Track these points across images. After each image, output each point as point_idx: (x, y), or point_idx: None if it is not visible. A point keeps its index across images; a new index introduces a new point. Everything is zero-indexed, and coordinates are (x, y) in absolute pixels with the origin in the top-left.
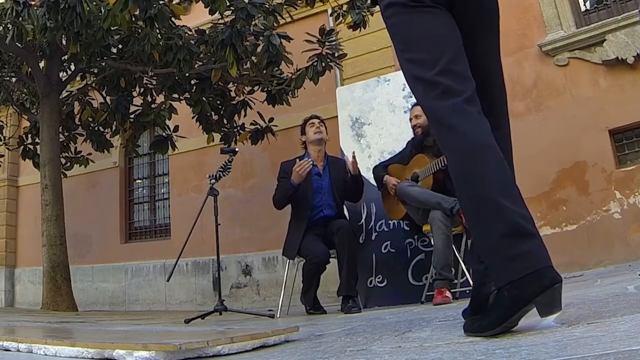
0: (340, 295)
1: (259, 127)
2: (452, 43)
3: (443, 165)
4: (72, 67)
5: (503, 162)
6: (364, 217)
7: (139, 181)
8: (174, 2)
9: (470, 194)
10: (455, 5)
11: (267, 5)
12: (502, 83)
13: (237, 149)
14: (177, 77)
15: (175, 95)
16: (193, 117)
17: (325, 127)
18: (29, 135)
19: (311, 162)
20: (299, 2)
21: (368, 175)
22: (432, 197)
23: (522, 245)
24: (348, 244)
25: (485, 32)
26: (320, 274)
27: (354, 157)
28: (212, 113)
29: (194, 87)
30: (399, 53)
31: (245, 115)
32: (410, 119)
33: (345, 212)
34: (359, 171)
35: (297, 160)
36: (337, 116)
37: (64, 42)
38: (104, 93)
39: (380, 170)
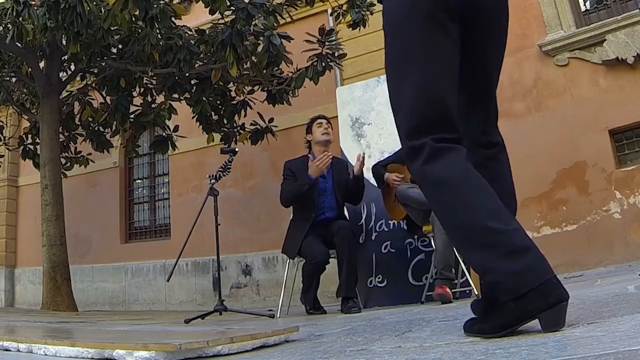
0: (339, 297)
1: (259, 127)
2: (449, 73)
3: None
4: (72, 67)
5: (486, 186)
6: (364, 217)
7: (139, 181)
8: (174, 2)
9: (458, 225)
10: (467, 18)
11: (267, 5)
12: (495, 98)
13: (237, 149)
14: (177, 77)
15: (175, 95)
16: (193, 117)
17: (332, 128)
18: (29, 135)
19: (331, 156)
20: (299, 2)
21: (368, 175)
22: None
23: (522, 261)
24: (348, 245)
25: (494, 46)
26: (320, 274)
27: (363, 157)
28: (212, 113)
29: (194, 87)
30: (388, 59)
31: (245, 115)
32: None
33: (346, 213)
34: (362, 173)
35: (309, 157)
36: (337, 116)
37: (64, 42)
38: (104, 93)
39: (379, 169)
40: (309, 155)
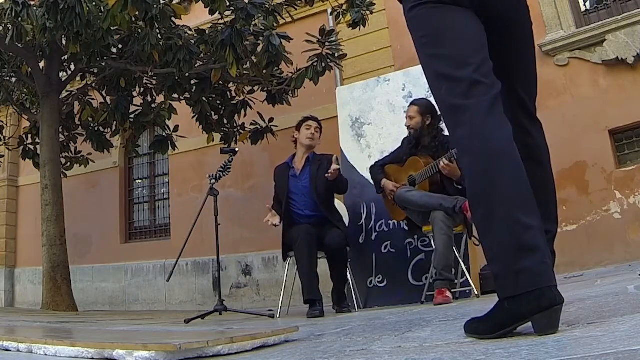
0: (334, 304)
1: (259, 127)
2: (480, 42)
3: (438, 169)
4: (72, 67)
5: (520, 170)
6: (364, 217)
7: (139, 181)
8: (174, 2)
9: (480, 201)
10: (483, 12)
11: (267, 6)
12: (533, 94)
13: (237, 149)
14: (177, 77)
15: (175, 95)
16: (193, 117)
17: (321, 131)
18: (29, 135)
19: (273, 223)
20: (299, 2)
21: (368, 175)
22: (432, 199)
23: (525, 260)
24: (339, 261)
25: (513, 40)
26: (315, 247)
27: (337, 164)
28: (212, 113)
29: (194, 87)
30: (420, 47)
31: (245, 115)
32: (406, 118)
33: (345, 213)
34: (339, 177)
35: (287, 164)
36: (337, 116)
37: (64, 42)
38: (104, 93)
39: (378, 171)
40: (289, 159)
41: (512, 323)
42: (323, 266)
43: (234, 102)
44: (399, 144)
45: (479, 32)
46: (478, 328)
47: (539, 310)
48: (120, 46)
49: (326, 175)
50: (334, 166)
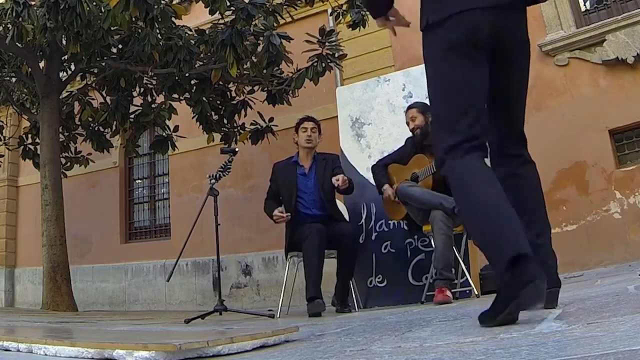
0: (334, 303)
1: (259, 127)
2: (481, 95)
3: None
4: (72, 67)
5: (506, 204)
6: (364, 217)
7: (139, 181)
8: (174, 2)
9: (476, 237)
10: (493, 49)
11: (267, 6)
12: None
13: (237, 149)
14: (177, 77)
15: (175, 95)
16: (193, 117)
17: (319, 129)
18: (29, 135)
19: (287, 217)
20: (299, 2)
21: (368, 175)
22: (433, 197)
23: (503, 233)
24: (350, 254)
25: (516, 72)
26: (322, 247)
27: (342, 180)
28: (212, 113)
29: (194, 87)
30: (430, 75)
31: (245, 115)
32: (407, 123)
33: (345, 213)
34: (347, 184)
35: (294, 161)
36: (337, 116)
37: (64, 42)
38: (104, 93)
39: (381, 173)
40: (295, 155)
41: (506, 306)
42: (324, 267)
43: (234, 102)
44: (399, 144)
45: (482, 81)
46: (484, 317)
47: (522, 285)
48: (120, 46)
49: (336, 185)
50: (340, 177)
